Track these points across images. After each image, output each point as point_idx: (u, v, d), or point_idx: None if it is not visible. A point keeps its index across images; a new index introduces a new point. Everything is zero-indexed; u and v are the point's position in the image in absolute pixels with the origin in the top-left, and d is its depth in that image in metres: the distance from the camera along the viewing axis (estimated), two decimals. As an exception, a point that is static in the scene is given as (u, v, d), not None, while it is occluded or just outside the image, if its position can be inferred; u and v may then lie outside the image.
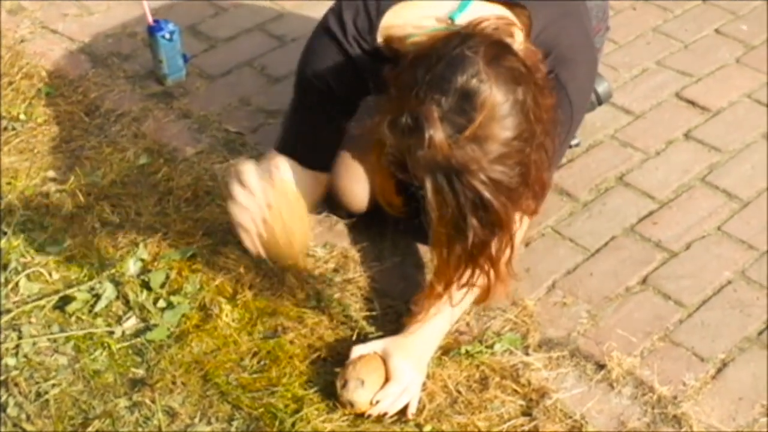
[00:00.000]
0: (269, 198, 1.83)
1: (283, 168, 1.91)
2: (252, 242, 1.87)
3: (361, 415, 1.97)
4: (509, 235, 1.82)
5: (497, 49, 1.76)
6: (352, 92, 2.10)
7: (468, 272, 1.85)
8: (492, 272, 1.87)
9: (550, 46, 1.99)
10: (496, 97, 1.71)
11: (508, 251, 1.85)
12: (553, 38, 2.00)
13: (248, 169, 1.85)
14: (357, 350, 2.03)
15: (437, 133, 1.69)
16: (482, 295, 1.95)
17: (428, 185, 1.72)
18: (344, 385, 1.96)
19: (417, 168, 1.72)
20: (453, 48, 1.74)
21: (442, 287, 1.90)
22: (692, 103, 2.80)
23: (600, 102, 2.67)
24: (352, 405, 1.97)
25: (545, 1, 2.05)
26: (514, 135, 1.73)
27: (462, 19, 1.92)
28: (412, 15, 1.97)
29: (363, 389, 1.96)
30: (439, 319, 2.07)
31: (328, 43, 2.04)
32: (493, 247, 1.81)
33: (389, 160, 1.78)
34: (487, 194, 1.72)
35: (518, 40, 1.91)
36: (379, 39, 2.00)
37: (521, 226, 2.01)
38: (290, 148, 2.15)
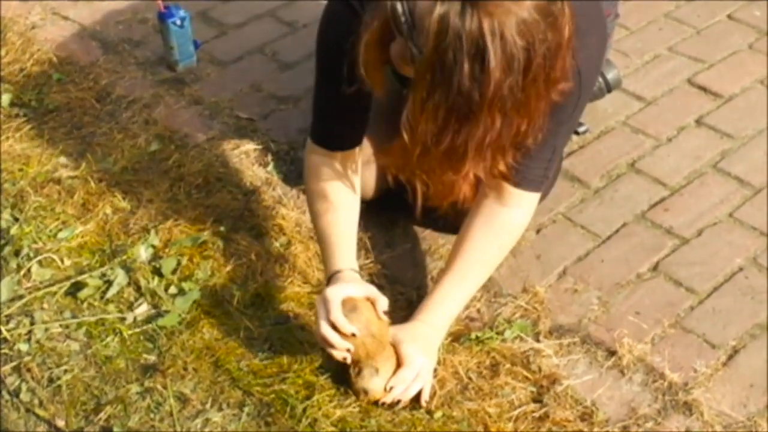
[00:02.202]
0: (354, 331, 1.92)
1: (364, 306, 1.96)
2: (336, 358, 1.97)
3: (375, 403, 1.97)
4: (497, 119, 1.69)
5: None
6: None
7: (447, 136, 1.73)
8: (468, 149, 1.74)
9: None
10: None
11: (493, 137, 1.72)
12: None
13: (335, 306, 1.92)
14: None
15: None
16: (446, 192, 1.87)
17: (435, 12, 1.63)
18: (358, 373, 1.96)
19: None
20: None
21: (408, 135, 1.76)
22: (704, 89, 2.79)
23: (609, 89, 2.67)
24: (366, 393, 1.97)
25: None
26: (543, 23, 1.65)
27: None
28: None
29: (377, 377, 1.96)
30: (449, 305, 2.07)
31: (342, 7, 2.02)
32: (479, 123, 1.70)
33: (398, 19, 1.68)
34: (491, 45, 1.62)
35: None
36: None
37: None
38: (323, 138, 2.14)
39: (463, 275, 2.09)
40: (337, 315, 1.91)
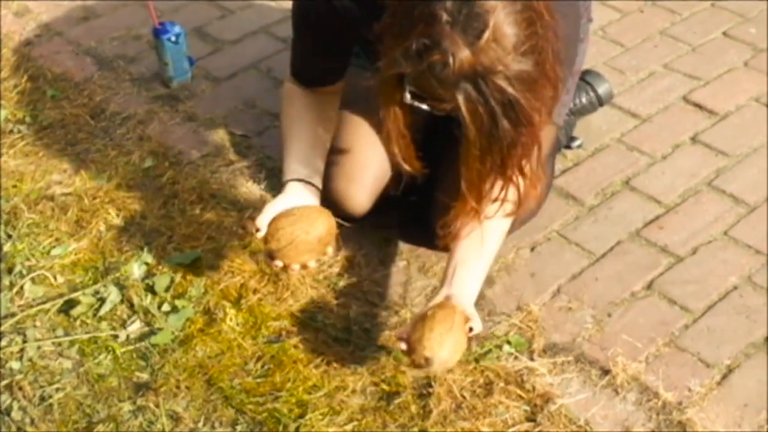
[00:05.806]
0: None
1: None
2: None
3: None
4: (535, 132, 1.80)
5: None
6: (344, 34, 2.14)
7: (498, 183, 1.85)
8: (521, 178, 1.86)
9: None
10: None
11: (536, 150, 1.84)
12: None
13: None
14: None
15: (457, 46, 1.67)
16: (516, 206, 1.94)
17: (460, 99, 1.71)
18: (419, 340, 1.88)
19: (443, 86, 1.71)
20: None
21: (474, 200, 1.87)
22: (699, 106, 2.79)
23: (601, 103, 2.67)
24: (428, 362, 1.87)
25: None
26: (526, 24, 1.71)
27: None
28: None
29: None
30: (479, 264, 2.05)
31: None
32: (521, 148, 1.80)
33: (411, 94, 1.76)
34: (513, 91, 1.71)
35: None
36: None
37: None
38: (298, 71, 2.29)
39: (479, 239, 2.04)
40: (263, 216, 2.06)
